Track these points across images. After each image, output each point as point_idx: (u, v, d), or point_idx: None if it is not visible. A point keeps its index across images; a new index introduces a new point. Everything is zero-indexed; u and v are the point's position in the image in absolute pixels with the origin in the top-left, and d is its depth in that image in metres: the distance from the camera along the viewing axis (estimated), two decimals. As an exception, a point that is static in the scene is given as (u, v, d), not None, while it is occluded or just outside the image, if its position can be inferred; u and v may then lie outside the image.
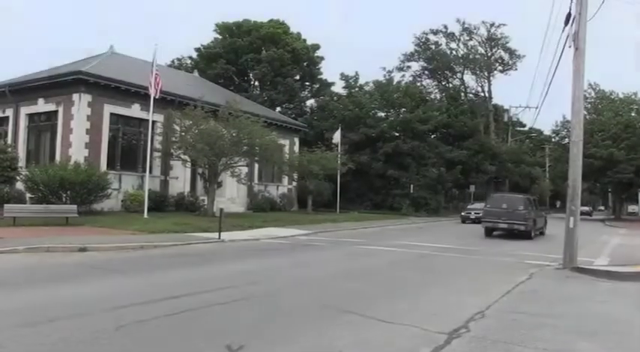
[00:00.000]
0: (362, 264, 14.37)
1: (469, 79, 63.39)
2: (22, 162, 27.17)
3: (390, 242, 20.45)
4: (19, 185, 25.50)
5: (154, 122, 26.91)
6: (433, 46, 61.99)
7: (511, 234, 23.76)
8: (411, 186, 46.72)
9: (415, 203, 46.99)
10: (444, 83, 64.20)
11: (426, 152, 48.76)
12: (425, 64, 62.45)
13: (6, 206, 20.89)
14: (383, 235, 24.52)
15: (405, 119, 49.07)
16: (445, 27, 61.02)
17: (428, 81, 63.89)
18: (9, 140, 28.59)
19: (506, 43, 60.70)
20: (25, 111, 29.22)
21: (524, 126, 72.90)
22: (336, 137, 42.65)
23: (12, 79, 30.92)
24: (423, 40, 61.77)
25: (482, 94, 62.88)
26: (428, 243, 20.27)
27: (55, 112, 27.63)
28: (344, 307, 8.26)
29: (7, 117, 30.08)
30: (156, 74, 24.60)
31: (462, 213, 40.08)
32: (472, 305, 8.63)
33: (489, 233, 25.17)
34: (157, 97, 25.00)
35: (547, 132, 72.42)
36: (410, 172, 47.45)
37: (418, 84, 60.47)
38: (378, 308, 8.32)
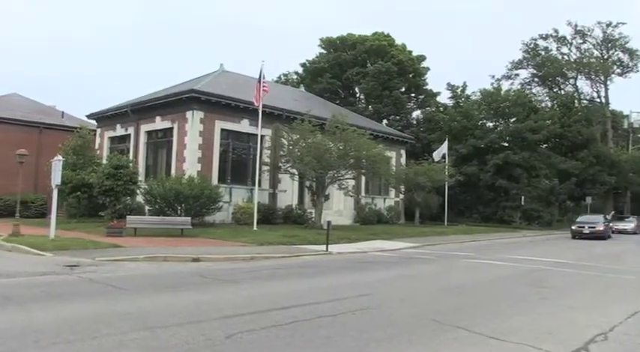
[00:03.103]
0: (471, 277, 13.95)
1: (583, 84, 59.90)
2: (141, 176, 28.79)
3: (499, 255, 19.77)
4: (139, 198, 27.00)
5: (262, 136, 27.66)
6: (543, 52, 59.32)
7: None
8: (522, 198, 44.89)
9: (527, 215, 45.14)
10: (555, 90, 61.14)
11: (537, 163, 46.72)
12: (534, 71, 59.89)
13: (128, 217, 22.36)
14: (492, 248, 23.72)
15: (515, 129, 47.29)
16: (555, 31, 58.27)
17: (538, 88, 61.10)
18: (130, 156, 30.41)
19: (626, 43, 56.80)
20: (144, 128, 31.05)
21: (647, 132, 68.02)
22: (443, 149, 41.89)
23: (133, 100, 33.06)
24: (532, 46, 59.32)
25: (597, 100, 59.24)
26: (540, 257, 19.38)
27: (171, 129, 29.11)
28: (452, 322, 8.02)
29: (129, 135, 32.10)
30: (263, 89, 25.24)
31: (573, 227, 35.38)
32: (592, 325, 8.08)
33: None
34: (258, 107, 25.66)
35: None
36: (520, 184, 45.62)
37: (527, 92, 58.00)
38: (488, 323, 8.01)
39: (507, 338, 7.14)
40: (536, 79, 60.47)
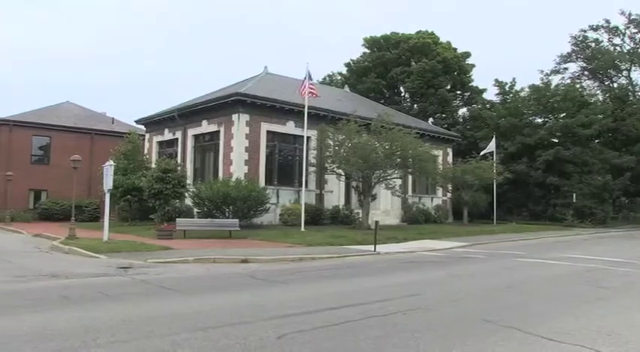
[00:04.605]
0: (522, 277, 13.60)
1: (638, 76, 57.47)
2: (189, 180, 29.25)
3: (551, 254, 19.25)
4: (188, 200, 27.45)
5: (308, 138, 27.76)
6: (593, 44, 57.37)
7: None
8: (574, 194, 43.66)
9: (579, 213, 43.87)
10: (607, 83, 59.13)
11: (589, 158, 45.39)
12: (584, 64, 58.06)
13: (178, 220, 22.78)
14: (544, 247, 23.13)
15: (565, 124, 46.05)
16: (607, 21, 56.06)
17: (588, 82, 59.10)
18: (178, 159, 30.94)
19: (686, 30, 54.31)
20: (191, 132, 31.55)
21: None
22: (491, 147, 41.19)
23: (180, 104, 33.66)
24: (581, 38, 57.48)
25: (654, 92, 57.00)
26: (596, 256, 18.75)
27: (217, 132, 29.48)
28: (505, 322, 7.84)
29: (176, 139, 32.68)
30: (311, 91, 25.45)
31: None
32: (656, 328, 7.73)
33: None
34: (305, 97, 25.89)
35: None
36: (572, 180, 44.39)
37: (577, 86, 56.21)
38: (543, 324, 7.78)
39: (563, 339, 6.92)
40: (586, 73, 58.66)
